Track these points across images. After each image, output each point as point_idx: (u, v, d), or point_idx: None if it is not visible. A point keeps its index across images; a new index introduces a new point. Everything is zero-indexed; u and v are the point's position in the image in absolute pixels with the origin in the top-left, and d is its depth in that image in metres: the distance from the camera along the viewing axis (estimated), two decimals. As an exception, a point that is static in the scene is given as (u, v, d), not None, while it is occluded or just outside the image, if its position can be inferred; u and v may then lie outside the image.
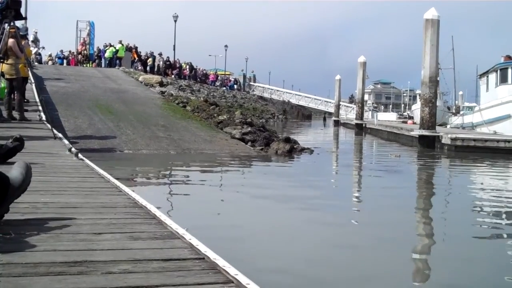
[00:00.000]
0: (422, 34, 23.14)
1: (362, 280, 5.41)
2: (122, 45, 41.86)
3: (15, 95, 13.75)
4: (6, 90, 14.13)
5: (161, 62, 46.99)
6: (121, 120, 17.88)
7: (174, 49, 52.01)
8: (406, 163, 17.69)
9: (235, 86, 69.07)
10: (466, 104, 53.01)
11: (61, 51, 45.54)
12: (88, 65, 40.94)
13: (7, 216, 3.68)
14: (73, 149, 8.24)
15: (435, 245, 6.92)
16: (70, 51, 45.91)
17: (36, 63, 33.19)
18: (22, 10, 10.46)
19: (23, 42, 13.32)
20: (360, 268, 5.75)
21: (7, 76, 13.42)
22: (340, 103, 61.26)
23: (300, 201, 9.52)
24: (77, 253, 2.81)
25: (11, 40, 13.40)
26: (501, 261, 6.29)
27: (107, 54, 40.88)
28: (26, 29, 15.25)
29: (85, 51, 41.32)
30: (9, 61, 12.87)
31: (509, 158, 18.90)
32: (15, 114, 13.36)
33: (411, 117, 52.46)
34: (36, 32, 36.23)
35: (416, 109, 42.12)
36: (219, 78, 66.34)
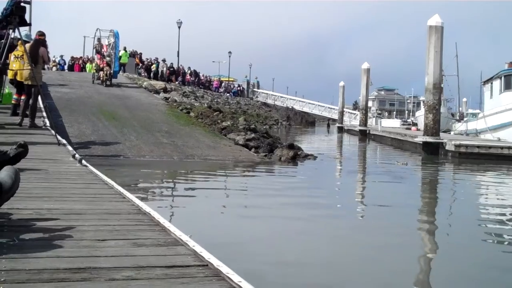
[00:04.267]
0: (426, 40, 23.14)
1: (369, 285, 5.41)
2: (126, 51, 41.81)
3: (30, 101, 13.68)
4: (23, 97, 14.11)
5: (164, 68, 47.06)
6: (125, 126, 17.90)
7: (178, 55, 52.16)
8: (410, 170, 17.65)
9: (238, 92, 69.06)
10: (470, 110, 52.92)
11: (62, 56, 45.63)
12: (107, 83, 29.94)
13: (10, 222, 3.69)
14: (76, 155, 8.25)
15: (439, 252, 6.91)
16: (72, 57, 46.01)
17: (46, 69, 33.19)
18: (27, 17, 10.48)
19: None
20: (366, 273, 5.74)
21: (28, 82, 13.39)
22: (344, 109, 61.22)
23: (304, 208, 9.51)
24: (80, 260, 2.82)
25: (42, 49, 13.48)
26: (502, 267, 6.28)
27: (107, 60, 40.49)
28: (31, 36, 15.28)
29: (107, 68, 30.20)
30: (26, 67, 12.92)
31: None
32: (26, 120, 13.35)
33: (415, 124, 52.41)
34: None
35: (420, 116, 42.16)
36: (223, 84, 66.41)
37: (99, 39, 33.82)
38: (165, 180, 12.77)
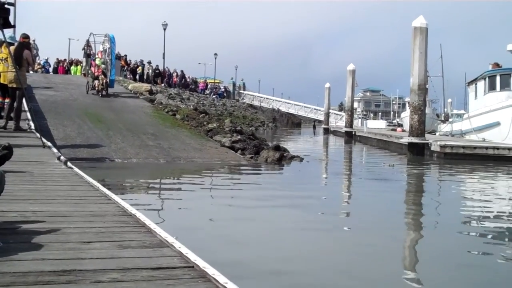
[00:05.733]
0: (411, 42, 23.26)
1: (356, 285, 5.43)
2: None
3: (14, 104, 13.56)
4: (7, 100, 14.03)
5: (150, 71, 46.92)
6: (111, 129, 17.83)
7: (163, 57, 51.99)
8: (395, 171, 17.72)
9: (224, 94, 68.96)
10: (455, 111, 53.28)
11: (47, 59, 45.38)
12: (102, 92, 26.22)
13: (-5, 225, 3.67)
14: (62, 157, 8.23)
15: (425, 254, 6.94)
16: (57, 59, 45.82)
17: (31, 72, 32.48)
18: (11, 18, 10.41)
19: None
20: (353, 275, 5.76)
21: (13, 85, 13.31)
22: (330, 111, 61.35)
23: (289, 209, 9.53)
24: (66, 262, 2.81)
25: (27, 52, 13.39)
26: (489, 267, 6.31)
27: (97, 62, 40.04)
28: (15, 38, 15.20)
29: (102, 77, 26.62)
30: (10, 70, 12.87)
31: (497, 165, 19.01)
32: (10, 123, 13.29)
33: (400, 125, 52.65)
34: (33, 41, 35.59)
35: (405, 117, 42.31)
36: (208, 86, 66.31)
37: (88, 41, 31.89)
38: (150, 182, 12.74)
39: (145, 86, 34.58)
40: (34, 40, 35.64)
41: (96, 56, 30.22)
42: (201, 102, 45.27)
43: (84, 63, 34.89)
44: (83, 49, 35.06)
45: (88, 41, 31.90)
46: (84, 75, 33.61)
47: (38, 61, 42.06)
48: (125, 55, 46.75)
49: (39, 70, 41.54)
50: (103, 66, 27.82)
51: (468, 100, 36.68)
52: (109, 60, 28.38)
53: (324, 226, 8.33)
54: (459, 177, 16.61)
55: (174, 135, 18.78)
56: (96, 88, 26.37)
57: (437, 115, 54.83)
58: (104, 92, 26.37)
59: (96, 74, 27.13)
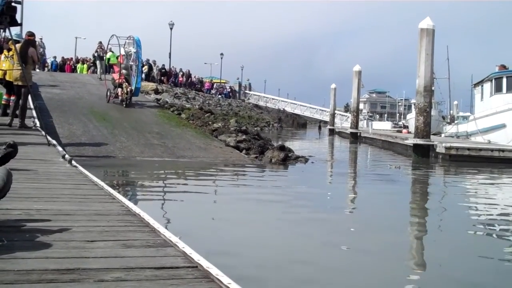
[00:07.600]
0: (417, 43, 23.19)
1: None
2: (113, 52, 41.07)
3: (20, 102, 13.57)
4: (12, 98, 14.07)
5: (156, 70, 46.93)
6: (116, 127, 17.85)
7: (169, 57, 52.00)
8: (401, 172, 17.69)
9: (230, 94, 68.94)
10: (461, 113, 53.19)
11: (55, 57, 45.42)
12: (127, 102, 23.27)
13: (-1, 223, 3.67)
14: (66, 155, 8.24)
15: (429, 255, 6.92)
16: (63, 57, 45.84)
17: (38, 70, 32.29)
18: (17, 16, 10.44)
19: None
20: (355, 276, 5.75)
21: (18, 83, 13.32)
22: (335, 112, 61.26)
23: (294, 210, 9.50)
24: (69, 261, 2.81)
25: (32, 49, 13.41)
26: (493, 270, 6.29)
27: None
28: (21, 36, 15.23)
29: (126, 84, 23.69)
30: (17, 67, 12.89)
31: (503, 167, 18.95)
32: (15, 120, 13.31)
33: (406, 126, 52.51)
34: (41, 39, 35.52)
35: (411, 118, 42.25)
36: (214, 86, 66.33)
37: (100, 42, 30.69)
38: (155, 181, 12.74)
39: (151, 85, 34.60)
40: (41, 39, 35.61)
41: (106, 55, 29.37)
42: (207, 102, 45.29)
43: (98, 66, 33.87)
44: (96, 51, 34.59)
45: (101, 42, 30.93)
46: (94, 74, 32.99)
47: (46, 60, 42.01)
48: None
49: (45, 68, 41.51)
50: (124, 72, 24.63)
51: (474, 102, 36.58)
52: (135, 65, 24.99)
53: (329, 227, 8.31)
54: (464, 179, 16.58)
55: (179, 134, 18.80)
56: (120, 97, 23.56)
57: (443, 117, 54.71)
58: (128, 102, 23.55)
59: (118, 81, 24.16)
